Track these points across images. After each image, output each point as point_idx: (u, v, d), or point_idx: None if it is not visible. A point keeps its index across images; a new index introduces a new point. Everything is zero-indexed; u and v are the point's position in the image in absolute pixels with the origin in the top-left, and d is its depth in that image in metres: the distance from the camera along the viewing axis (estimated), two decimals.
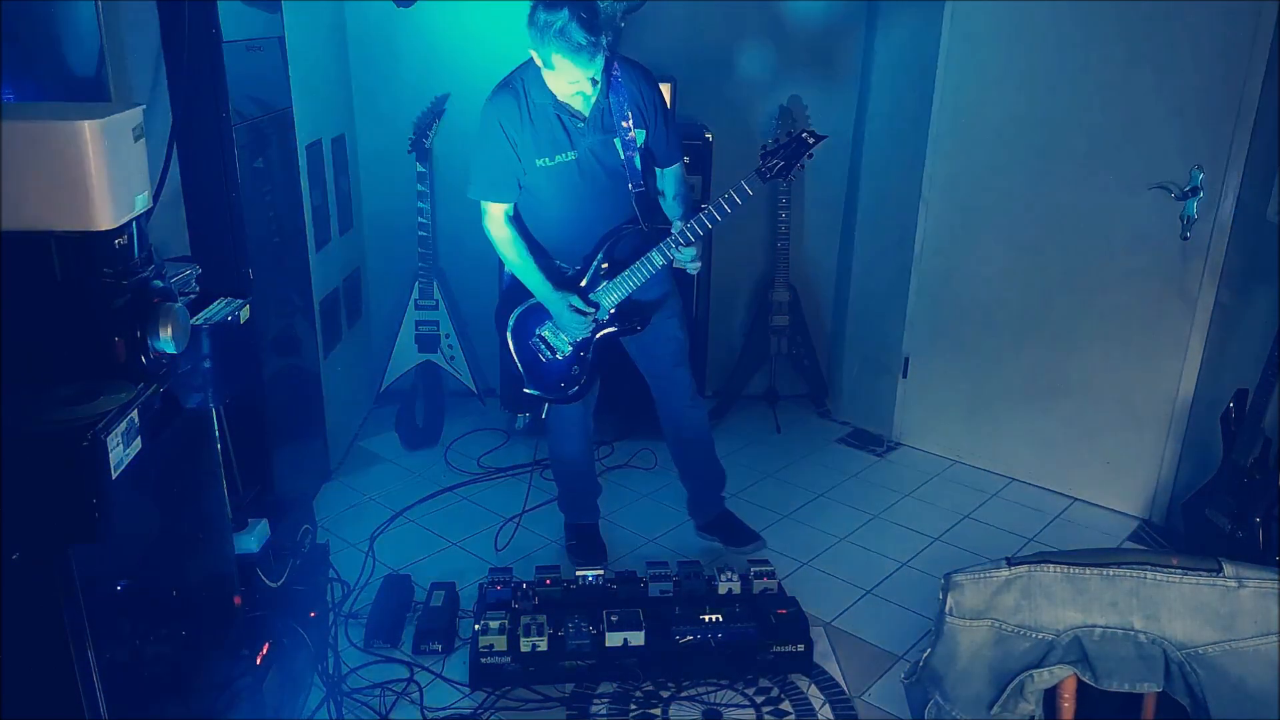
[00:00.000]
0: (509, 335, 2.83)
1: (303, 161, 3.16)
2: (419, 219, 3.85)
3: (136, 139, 1.54)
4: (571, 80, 2.47)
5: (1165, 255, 3.15)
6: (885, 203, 3.81)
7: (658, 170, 2.76)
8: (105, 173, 1.43)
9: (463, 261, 4.11)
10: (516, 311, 2.80)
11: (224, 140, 2.48)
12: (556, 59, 2.41)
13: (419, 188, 3.83)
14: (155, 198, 1.88)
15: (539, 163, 2.61)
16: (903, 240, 3.79)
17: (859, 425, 4.15)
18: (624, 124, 2.61)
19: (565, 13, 2.34)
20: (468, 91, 3.91)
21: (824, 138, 2.55)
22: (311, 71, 3.29)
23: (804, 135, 2.55)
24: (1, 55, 1.81)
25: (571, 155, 2.62)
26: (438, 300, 3.99)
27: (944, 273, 3.72)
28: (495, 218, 2.69)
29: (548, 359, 2.80)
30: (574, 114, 2.59)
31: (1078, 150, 3.28)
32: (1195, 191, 3.03)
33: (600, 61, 2.45)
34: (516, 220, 2.71)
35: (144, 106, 1.60)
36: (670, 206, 2.79)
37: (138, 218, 1.56)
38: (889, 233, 3.85)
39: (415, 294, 3.98)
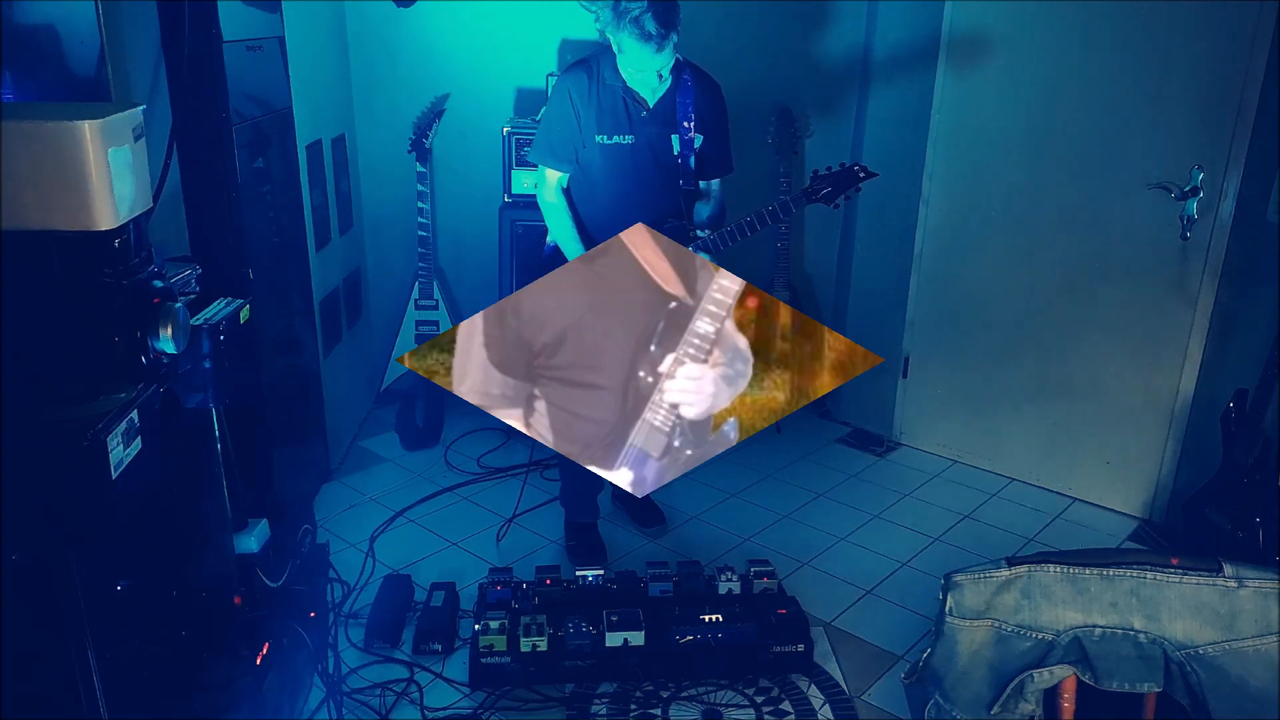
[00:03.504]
0: None
1: (303, 161, 3.16)
2: (419, 219, 3.86)
3: (136, 139, 1.54)
4: (638, 68, 2.61)
5: (1165, 255, 3.15)
6: (885, 203, 3.81)
7: (701, 183, 2.89)
8: (105, 173, 1.43)
9: (463, 261, 4.12)
10: None
11: (224, 140, 2.47)
12: (626, 44, 2.55)
13: (419, 188, 3.83)
14: (155, 198, 1.88)
15: (597, 139, 2.74)
16: (903, 240, 3.79)
17: (859, 425, 4.15)
18: (685, 123, 2.74)
19: (645, 2, 2.49)
20: (467, 91, 3.93)
21: (874, 175, 2.68)
22: (311, 72, 3.29)
23: (855, 168, 2.66)
24: (1, 55, 1.82)
25: (629, 139, 2.74)
26: (438, 300, 3.99)
27: (944, 272, 3.72)
28: (549, 185, 2.83)
29: None
30: (639, 100, 2.71)
31: (1078, 150, 3.28)
32: (1195, 191, 3.03)
33: (667, 56, 2.58)
34: (568, 194, 2.85)
35: (144, 106, 1.61)
36: (701, 210, 2.91)
37: (138, 218, 1.56)
38: (889, 233, 3.86)
39: (415, 294, 3.98)
